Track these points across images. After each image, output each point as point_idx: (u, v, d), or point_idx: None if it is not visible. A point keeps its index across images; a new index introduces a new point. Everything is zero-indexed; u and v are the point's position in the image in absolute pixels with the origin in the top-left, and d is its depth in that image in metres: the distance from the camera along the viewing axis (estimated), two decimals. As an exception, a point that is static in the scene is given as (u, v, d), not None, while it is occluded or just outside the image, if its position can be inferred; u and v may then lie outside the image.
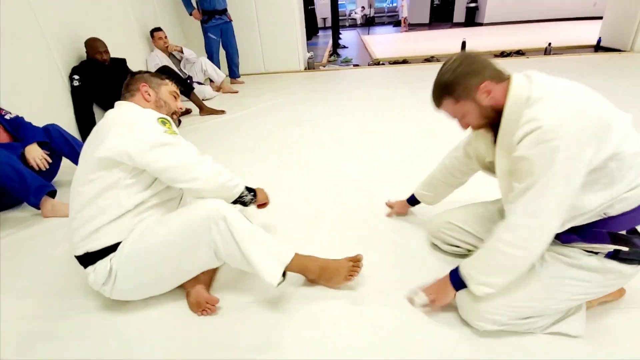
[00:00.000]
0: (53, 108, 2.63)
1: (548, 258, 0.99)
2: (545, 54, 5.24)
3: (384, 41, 8.75)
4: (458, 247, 1.31)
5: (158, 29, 3.83)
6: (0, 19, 2.25)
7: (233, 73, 4.68)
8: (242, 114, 3.45)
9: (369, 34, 11.10)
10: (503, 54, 5.47)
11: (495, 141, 1.00)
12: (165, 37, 3.86)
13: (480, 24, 10.85)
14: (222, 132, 3.03)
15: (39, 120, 2.09)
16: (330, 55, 6.63)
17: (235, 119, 3.32)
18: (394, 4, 15.16)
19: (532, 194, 0.85)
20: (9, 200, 1.93)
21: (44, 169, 1.87)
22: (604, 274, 0.94)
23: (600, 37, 5.53)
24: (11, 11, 2.33)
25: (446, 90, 0.96)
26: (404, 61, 5.52)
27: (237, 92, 4.26)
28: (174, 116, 1.34)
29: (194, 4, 4.21)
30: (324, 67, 5.67)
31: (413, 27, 12.38)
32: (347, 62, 6.12)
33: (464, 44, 5.76)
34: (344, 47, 8.05)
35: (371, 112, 3.24)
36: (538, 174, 0.82)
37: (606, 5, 5.56)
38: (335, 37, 7.66)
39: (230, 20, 4.35)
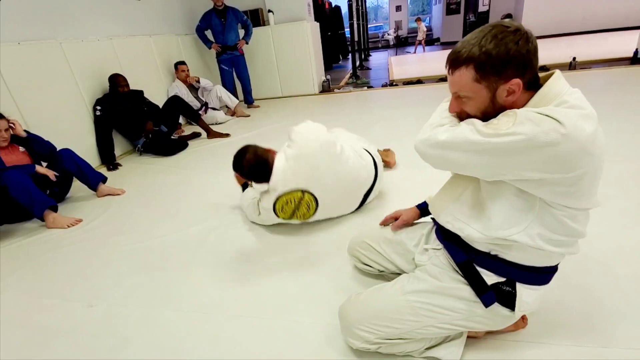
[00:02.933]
0: (77, 135, 3.08)
1: (420, 275, 1.02)
2: (570, 69, 4.96)
3: (409, 61, 8.78)
4: (371, 266, 1.35)
5: (182, 63, 4.28)
6: (36, 62, 2.73)
7: (247, 100, 5.07)
8: (246, 135, 3.71)
9: (396, 54, 11.19)
10: (524, 70, 5.26)
11: None
12: (187, 69, 4.30)
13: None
14: (222, 152, 3.29)
15: (63, 144, 2.53)
16: (350, 78, 6.80)
17: (238, 141, 3.57)
18: (429, 24, 15.14)
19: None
20: (25, 214, 2.29)
21: (53, 179, 2.24)
22: (472, 308, 0.94)
23: (638, 49, 5.12)
24: (46, 54, 2.82)
25: (478, 60, 0.77)
26: (419, 81, 5.53)
27: (249, 115, 4.57)
28: None
29: (212, 39, 4.68)
30: (339, 89, 5.85)
31: (445, 45, 12.26)
32: (364, 84, 6.26)
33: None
34: (368, 68, 8.21)
35: (367, 133, 3.31)
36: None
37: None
38: (355, 60, 7.86)
39: (242, 54, 4.77)
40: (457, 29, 12.48)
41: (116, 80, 3.26)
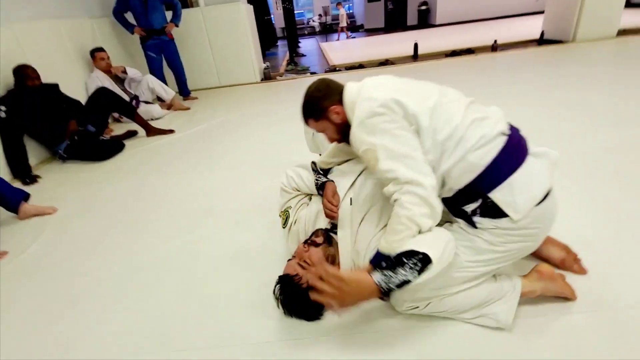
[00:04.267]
0: (-26, 143, 2.40)
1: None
2: (492, 50, 5.43)
3: (342, 47, 8.84)
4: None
5: (99, 50, 3.64)
6: None
7: (183, 91, 4.54)
8: (193, 131, 3.31)
9: (327, 41, 11.20)
10: (454, 53, 5.62)
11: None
12: (108, 57, 3.67)
13: (433, 25, 11.21)
14: (170, 153, 2.88)
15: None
16: (288, 65, 6.59)
17: (185, 138, 3.18)
18: (351, 11, 15.42)
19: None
20: None
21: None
22: (474, 234, 0.97)
23: (543, 31, 5.81)
24: None
25: (307, 111, 1.14)
26: (360, 66, 5.56)
27: (188, 109, 4.11)
28: None
29: (134, 22, 4.05)
30: (281, 76, 5.61)
31: (369, 32, 12.62)
32: (304, 70, 6.10)
33: (415, 46, 5.88)
34: (302, 55, 8.06)
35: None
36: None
37: (546, 0, 5.86)
38: (292, 46, 7.64)
39: (171, 39, 4.22)
40: (379, 15, 12.92)
41: (24, 73, 2.63)
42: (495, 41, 5.44)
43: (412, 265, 0.84)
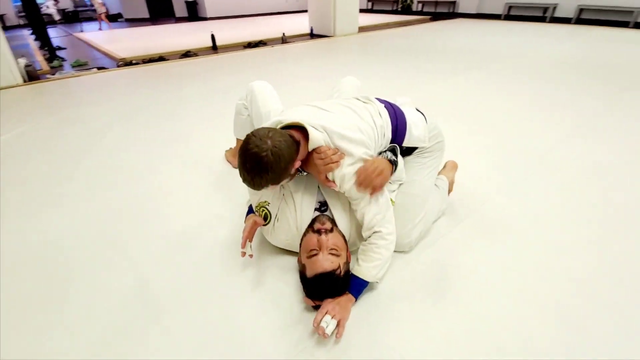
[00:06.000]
0: None
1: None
2: (282, 42, 6.10)
3: (117, 38, 7.50)
4: None
5: None
6: None
7: None
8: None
9: (82, 31, 9.16)
10: (250, 45, 5.94)
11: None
12: None
13: (205, 18, 11.17)
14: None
15: None
16: (50, 61, 5.08)
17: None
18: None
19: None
20: None
21: None
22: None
23: (312, 27, 6.98)
24: None
25: (271, 184, 1.00)
26: (161, 58, 5.01)
27: None
28: None
29: None
30: (53, 75, 4.31)
31: (132, 22, 11.22)
32: (80, 65, 4.89)
33: (213, 37, 5.81)
34: (60, 47, 6.35)
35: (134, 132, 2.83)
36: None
37: (308, 1, 7.03)
38: (43, 37, 5.89)
39: None
40: (140, 5, 11.62)
41: None
42: (284, 34, 6.13)
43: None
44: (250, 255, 1.17)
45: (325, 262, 1.02)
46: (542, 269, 1.25)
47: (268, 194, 1.23)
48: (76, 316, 1.11)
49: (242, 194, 1.73)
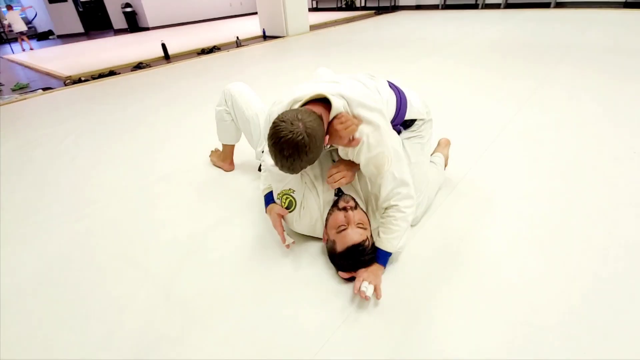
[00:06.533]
0: None
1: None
2: (237, 46, 6.06)
3: (49, 56, 6.98)
4: None
5: None
6: None
7: None
8: None
9: (13, 52, 8.42)
10: (204, 51, 5.83)
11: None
12: None
13: (147, 29, 10.70)
14: None
15: None
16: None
17: None
18: (23, 16, 11.97)
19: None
20: None
21: None
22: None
23: (264, 29, 6.98)
24: None
25: (306, 161, 1.01)
26: (112, 72, 4.78)
27: None
28: None
29: None
30: (-5, 100, 3.96)
31: (65, 38, 10.50)
32: (22, 88, 4.54)
33: (164, 46, 5.63)
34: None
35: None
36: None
37: (257, 3, 7.02)
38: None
39: None
40: (72, 18, 10.89)
41: None
42: (238, 37, 6.08)
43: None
44: (293, 242, 1.24)
45: (355, 235, 1.10)
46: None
47: (292, 182, 1.26)
48: (102, 336, 1.10)
49: (239, 194, 1.76)
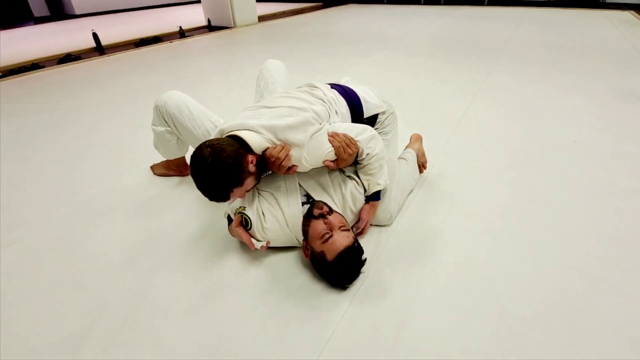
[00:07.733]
0: None
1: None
2: (181, 37, 5.65)
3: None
4: None
5: None
6: None
7: None
8: None
9: None
10: (143, 42, 5.36)
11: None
12: None
13: (74, 16, 9.63)
14: None
15: None
16: None
17: None
18: None
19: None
20: None
21: None
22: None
23: (209, 19, 6.59)
24: None
25: (229, 184, 1.04)
26: (35, 65, 4.20)
27: None
28: None
29: None
30: None
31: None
32: None
33: (95, 36, 5.08)
34: None
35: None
36: None
37: (201, -9, 6.58)
38: None
39: None
40: (-22, 3, 9.40)
41: None
42: (181, 27, 5.67)
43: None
44: (268, 243, 1.17)
45: (343, 239, 1.04)
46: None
47: (240, 200, 1.21)
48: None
49: (200, 200, 1.62)
